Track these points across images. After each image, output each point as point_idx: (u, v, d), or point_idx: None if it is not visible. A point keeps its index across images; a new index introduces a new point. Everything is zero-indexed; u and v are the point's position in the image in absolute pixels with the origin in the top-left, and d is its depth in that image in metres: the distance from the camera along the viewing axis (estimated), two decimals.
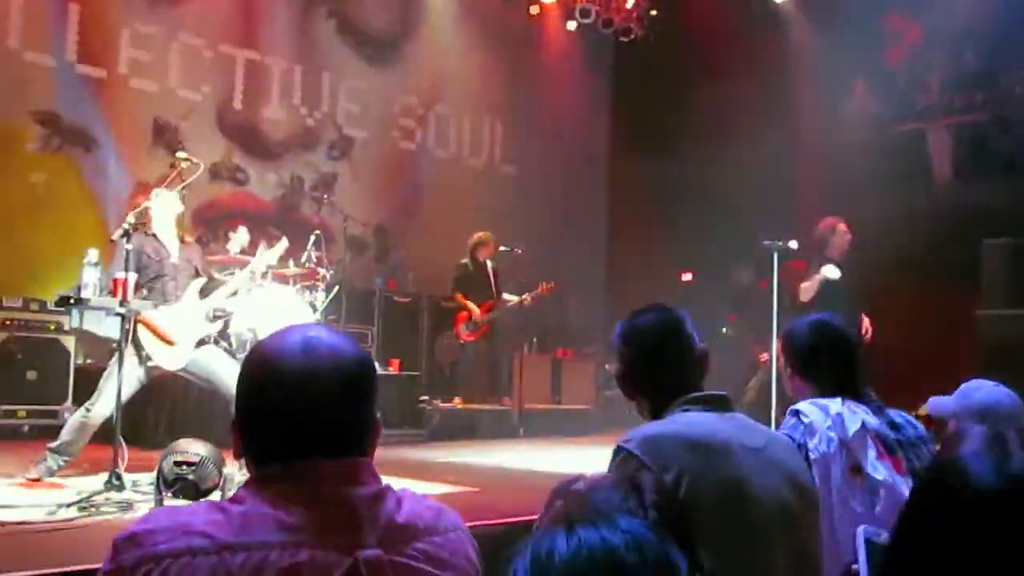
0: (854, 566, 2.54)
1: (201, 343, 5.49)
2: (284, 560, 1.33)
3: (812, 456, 2.70)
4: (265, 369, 1.49)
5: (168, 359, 5.33)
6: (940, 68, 11.75)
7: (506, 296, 10.16)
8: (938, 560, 1.35)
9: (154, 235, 5.46)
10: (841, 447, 2.71)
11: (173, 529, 1.34)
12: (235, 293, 5.82)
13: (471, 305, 9.97)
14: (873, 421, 2.79)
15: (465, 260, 10.12)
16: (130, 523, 1.41)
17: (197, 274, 5.64)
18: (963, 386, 3.08)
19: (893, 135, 11.90)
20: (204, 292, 5.60)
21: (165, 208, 5.50)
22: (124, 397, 4.91)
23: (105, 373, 5.25)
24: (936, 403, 3.15)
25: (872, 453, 2.70)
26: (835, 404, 2.81)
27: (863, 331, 7.49)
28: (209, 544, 1.33)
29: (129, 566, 1.32)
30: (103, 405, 5.10)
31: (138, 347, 5.24)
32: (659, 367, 2.30)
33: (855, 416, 2.78)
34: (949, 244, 7.74)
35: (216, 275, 5.93)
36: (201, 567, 1.31)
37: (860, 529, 2.55)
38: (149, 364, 5.27)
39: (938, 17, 10.98)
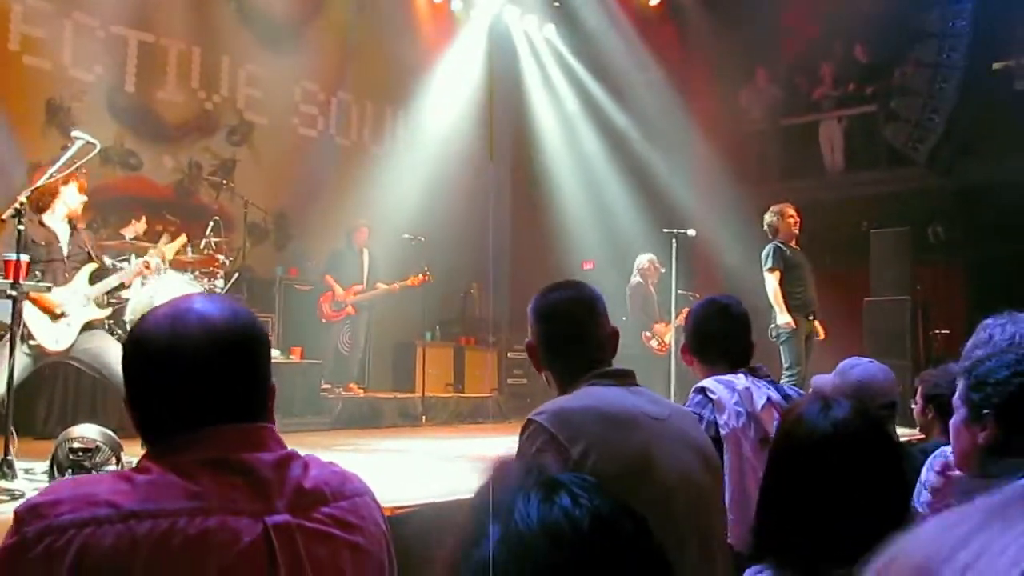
0: None
1: (89, 326, 5.36)
2: (192, 528, 1.32)
3: (723, 432, 2.80)
4: (134, 344, 1.50)
5: (51, 339, 5.18)
6: (833, 61, 12.14)
7: (379, 284, 10.27)
8: (795, 492, 1.69)
9: (40, 221, 5.32)
10: (750, 420, 2.82)
11: (77, 499, 1.32)
12: (124, 285, 5.71)
13: (336, 285, 10.15)
14: (776, 395, 2.93)
15: (341, 245, 10.43)
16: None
17: (89, 259, 5.51)
18: (841, 364, 3.29)
19: (788, 126, 12.27)
20: (94, 279, 5.47)
21: (69, 198, 5.38)
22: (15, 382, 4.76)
23: None
24: (818, 380, 3.37)
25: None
26: (740, 380, 2.93)
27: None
28: (114, 513, 1.30)
29: (32, 538, 1.29)
30: None
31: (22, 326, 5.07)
32: (572, 341, 2.33)
33: (760, 391, 2.91)
34: (841, 233, 8.05)
35: (108, 261, 5.81)
36: (106, 536, 1.28)
37: None
38: (31, 343, 5.11)
39: (832, 14, 11.34)
